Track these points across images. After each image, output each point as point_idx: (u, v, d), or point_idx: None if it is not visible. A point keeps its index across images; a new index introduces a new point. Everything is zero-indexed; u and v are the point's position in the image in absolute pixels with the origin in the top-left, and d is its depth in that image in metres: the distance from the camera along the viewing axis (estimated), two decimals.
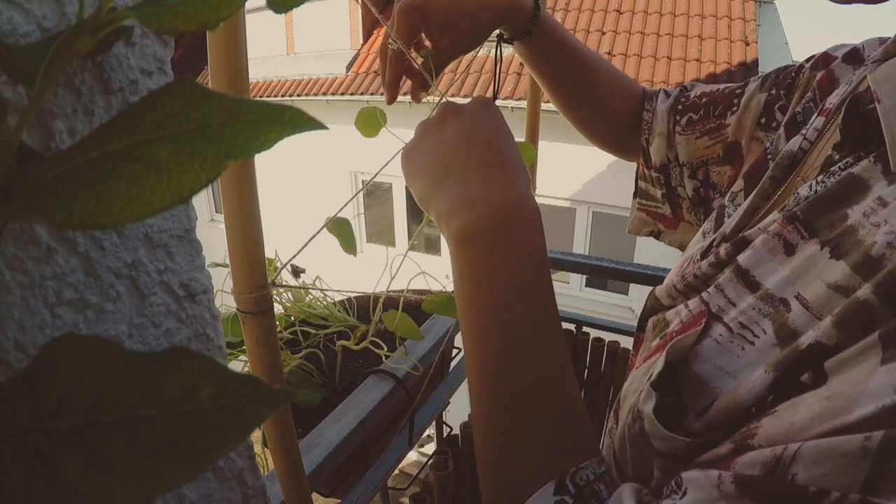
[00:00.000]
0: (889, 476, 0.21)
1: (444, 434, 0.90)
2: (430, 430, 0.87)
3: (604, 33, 4.94)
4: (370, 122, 0.63)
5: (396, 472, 0.78)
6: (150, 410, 0.17)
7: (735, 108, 0.57)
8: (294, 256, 0.45)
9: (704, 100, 0.61)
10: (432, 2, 0.53)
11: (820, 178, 0.35)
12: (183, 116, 0.16)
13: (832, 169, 0.35)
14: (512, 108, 4.66)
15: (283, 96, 6.16)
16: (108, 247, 0.26)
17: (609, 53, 4.77)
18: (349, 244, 0.58)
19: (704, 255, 0.45)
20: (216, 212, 7.28)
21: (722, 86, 0.61)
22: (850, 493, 0.21)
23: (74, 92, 0.24)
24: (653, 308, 0.46)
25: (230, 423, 0.17)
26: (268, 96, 6.29)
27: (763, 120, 0.56)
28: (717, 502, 0.25)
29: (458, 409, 0.72)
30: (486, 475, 0.34)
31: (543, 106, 0.91)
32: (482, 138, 0.40)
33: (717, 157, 0.60)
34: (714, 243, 0.45)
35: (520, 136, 0.92)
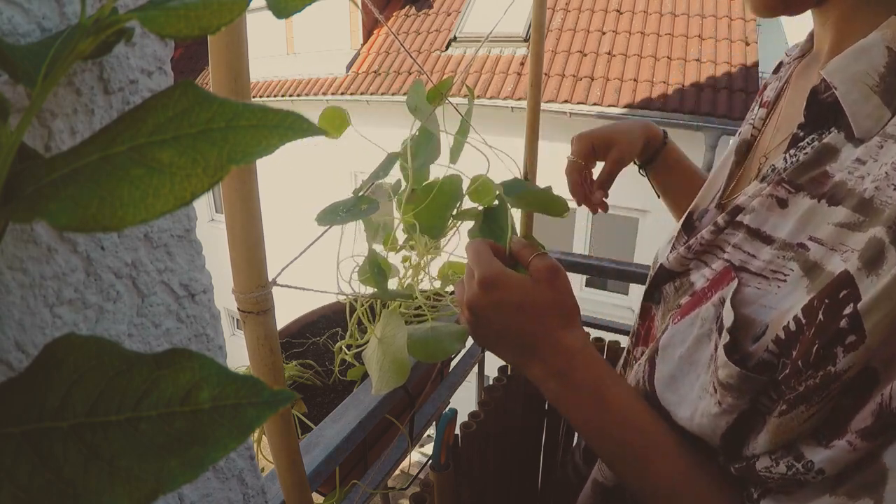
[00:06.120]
0: None
1: None
2: (430, 430, 0.87)
3: (604, 33, 4.94)
4: (333, 123, 0.65)
5: (396, 472, 0.78)
6: (151, 411, 0.17)
7: None
8: (296, 258, 0.45)
9: None
10: (596, 131, 0.76)
11: (792, 151, 0.45)
12: (185, 120, 0.16)
13: (800, 144, 0.45)
14: (512, 108, 4.65)
15: (282, 96, 6.15)
16: (108, 247, 0.26)
17: (609, 53, 4.77)
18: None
19: (686, 227, 0.59)
20: (216, 211, 7.28)
21: None
22: None
23: (75, 92, 0.24)
24: (664, 278, 0.56)
25: (230, 423, 0.17)
26: (268, 96, 6.29)
27: None
28: (864, 459, 0.35)
29: (458, 408, 0.72)
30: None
31: (544, 106, 0.91)
32: (517, 322, 0.49)
33: None
34: (694, 217, 0.59)
35: (520, 136, 0.92)
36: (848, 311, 0.34)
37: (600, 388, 0.47)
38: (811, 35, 0.54)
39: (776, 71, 0.62)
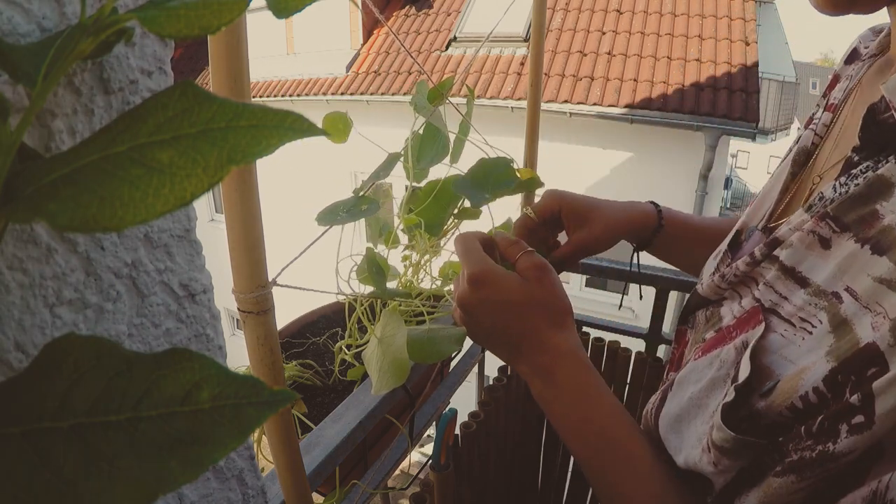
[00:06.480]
0: None
1: None
2: (430, 430, 0.87)
3: (604, 33, 4.94)
4: (337, 128, 0.65)
5: (396, 472, 0.79)
6: (151, 411, 0.17)
7: None
8: (296, 258, 0.45)
9: None
10: (577, 197, 0.64)
11: (842, 179, 0.39)
12: (185, 120, 0.16)
13: (853, 171, 0.38)
14: (512, 108, 4.66)
15: (282, 96, 6.15)
16: (108, 247, 0.26)
17: (609, 53, 4.77)
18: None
19: (733, 246, 0.52)
20: (216, 211, 7.28)
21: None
22: None
23: (74, 92, 0.24)
24: (697, 303, 0.52)
25: (230, 423, 0.17)
26: (268, 96, 6.29)
27: None
28: None
29: (458, 408, 0.72)
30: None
31: (544, 106, 0.91)
32: (505, 321, 0.48)
33: None
34: (742, 237, 0.53)
35: (520, 136, 0.92)
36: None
37: (584, 393, 0.46)
38: (889, 30, 0.46)
39: (850, 61, 0.53)
